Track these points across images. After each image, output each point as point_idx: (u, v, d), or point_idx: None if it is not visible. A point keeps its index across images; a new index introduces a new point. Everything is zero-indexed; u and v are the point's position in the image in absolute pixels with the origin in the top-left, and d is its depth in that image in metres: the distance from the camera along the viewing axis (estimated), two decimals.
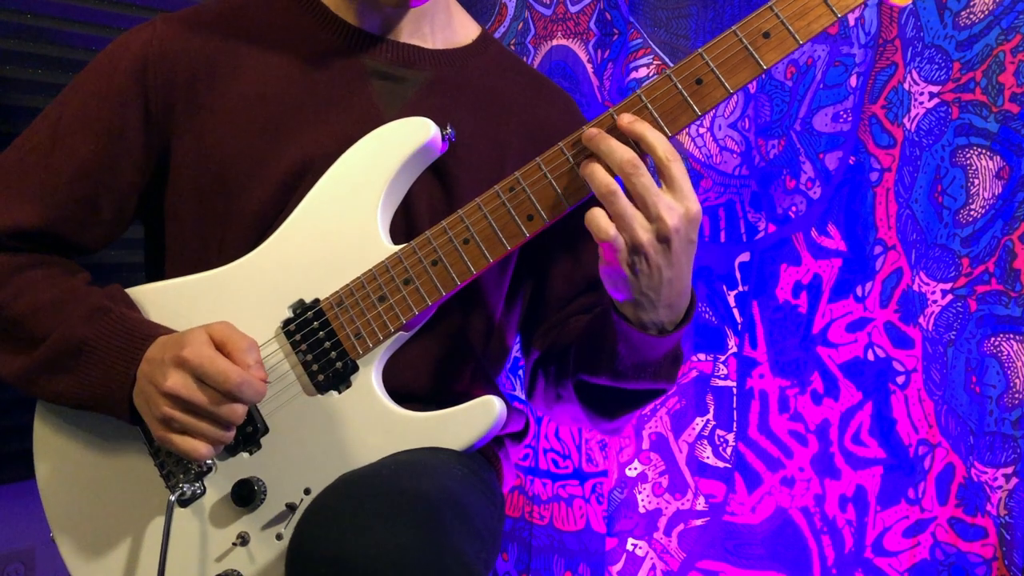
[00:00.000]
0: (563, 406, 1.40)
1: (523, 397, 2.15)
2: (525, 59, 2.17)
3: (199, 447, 1.12)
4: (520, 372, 2.23)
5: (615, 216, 1.09)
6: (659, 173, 1.10)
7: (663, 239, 1.09)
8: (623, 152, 1.10)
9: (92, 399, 1.19)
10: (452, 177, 1.32)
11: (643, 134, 1.11)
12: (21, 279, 1.23)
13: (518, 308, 1.48)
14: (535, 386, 1.46)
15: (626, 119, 1.13)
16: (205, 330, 1.14)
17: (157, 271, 1.36)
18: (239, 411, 1.12)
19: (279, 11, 1.35)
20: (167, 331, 1.19)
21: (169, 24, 1.32)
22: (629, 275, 1.11)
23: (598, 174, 1.11)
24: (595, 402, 1.34)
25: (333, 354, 1.21)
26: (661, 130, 1.16)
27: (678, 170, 1.09)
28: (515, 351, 1.59)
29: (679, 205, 1.09)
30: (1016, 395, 1.63)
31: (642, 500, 2.03)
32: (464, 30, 1.44)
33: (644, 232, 1.08)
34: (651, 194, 1.08)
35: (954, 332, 1.70)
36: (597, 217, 1.10)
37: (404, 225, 1.29)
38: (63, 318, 1.20)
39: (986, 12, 1.65)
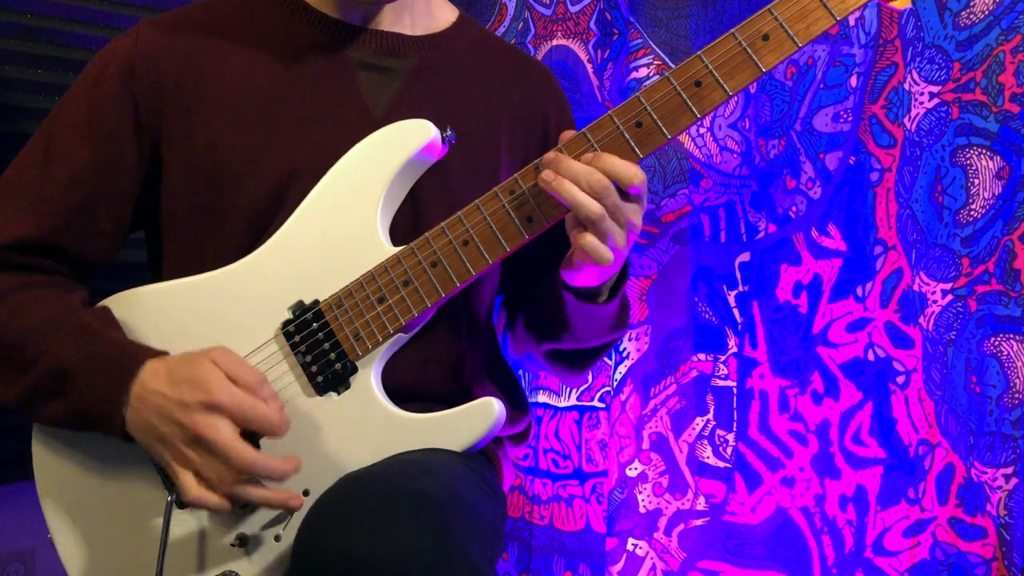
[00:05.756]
0: (533, 361, 1.53)
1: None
2: None
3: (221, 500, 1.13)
4: (521, 371, 2.23)
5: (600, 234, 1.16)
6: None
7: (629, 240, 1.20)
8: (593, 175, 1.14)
9: (85, 421, 1.18)
10: (447, 164, 1.32)
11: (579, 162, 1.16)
12: (15, 300, 1.22)
13: None
14: (506, 339, 1.58)
15: (549, 157, 1.17)
16: (213, 362, 1.12)
17: (158, 275, 1.36)
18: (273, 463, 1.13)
19: (261, 10, 1.36)
20: (154, 353, 1.18)
21: (153, 28, 1.33)
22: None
23: (580, 196, 1.15)
24: (565, 362, 1.46)
25: (332, 355, 1.21)
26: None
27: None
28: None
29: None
30: (1016, 395, 1.63)
31: (642, 500, 2.03)
32: (443, 15, 1.44)
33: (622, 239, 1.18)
34: (618, 208, 1.15)
35: (954, 332, 1.70)
36: (591, 243, 1.16)
37: (405, 221, 1.29)
38: (49, 341, 1.18)
39: (986, 12, 1.65)
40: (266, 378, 1.15)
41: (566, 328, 1.35)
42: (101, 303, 1.27)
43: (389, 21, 1.36)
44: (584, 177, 1.13)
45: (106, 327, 1.22)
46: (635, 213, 1.17)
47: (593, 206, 1.13)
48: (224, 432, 1.09)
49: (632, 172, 1.14)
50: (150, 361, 1.16)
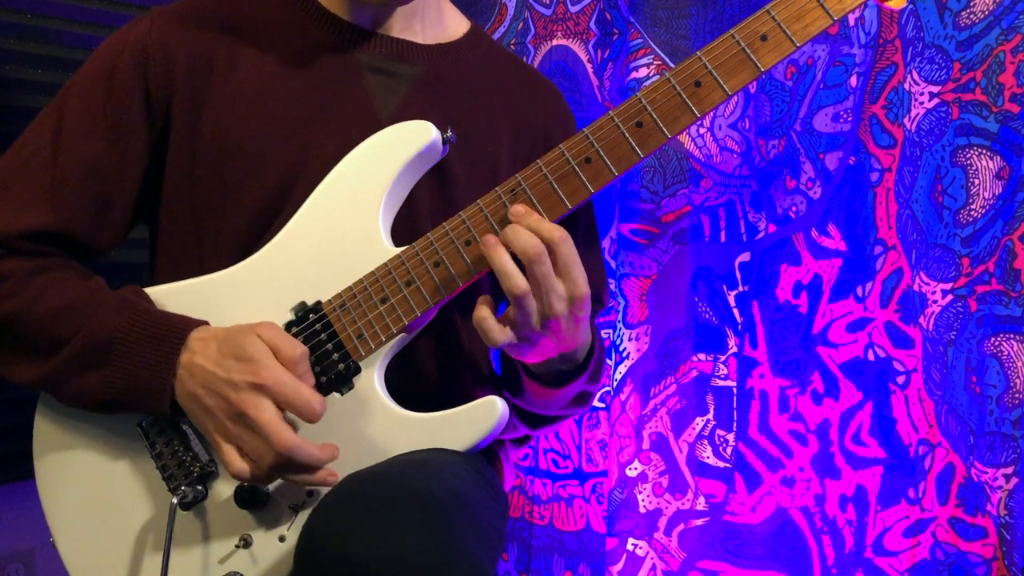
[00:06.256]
0: None
1: None
2: (525, 59, 2.16)
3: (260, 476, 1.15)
4: None
5: (513, 300, 1.16)
6: (551, 255, 1.15)
7: (547, 324, 1.17)
8: (528, 239, 1.14)
9: (127, 393, 1.17)
10: (448, 173, 1.32)
11: (528, 224, 1.16)
12: (37, 283, 1.21)
13: None
14: None
15: (519, 211, 1.17)
16: (259, 337, 1.13)
17: (153, 270, 1.36)
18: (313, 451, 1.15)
19: (272, 6, 1.35)
20: (197, 322, 1.19)
21: (165, 18, 1.32)
22: (524, 345, 1.20)
23: (501, 257, 1.16)
24: (517, 413, 1.45)
25: (335, 356, 1.21)
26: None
27: (564, 252, 1.15)
28: None
29: (567, 291, 1.16)
30: (1016, 395, 1.63)
31: (642, 500, 2.03)
32: (455, 25, 1.45)
33: (535, 319, 1.17)
34: (547, 282, 1.14)
35: (954, 332, 1.70)
36: (486, 318, 1.18)
37: (406, 227, 1.29)
38: (89, 315, 1.18)
39: (986, 12, 1.66)
40: (307, 352, 1.16)
41: (519, 388, 1.37)
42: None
43: (399, 27, 1.36)
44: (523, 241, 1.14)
45: (144, 301, 1.22)
46: (559, 298, 1.16)
47: (519, 280, 1.14)
48: (267, 413, 1.10)
49: (551, 230, 1.15)
50: (196, 330, 1.17)
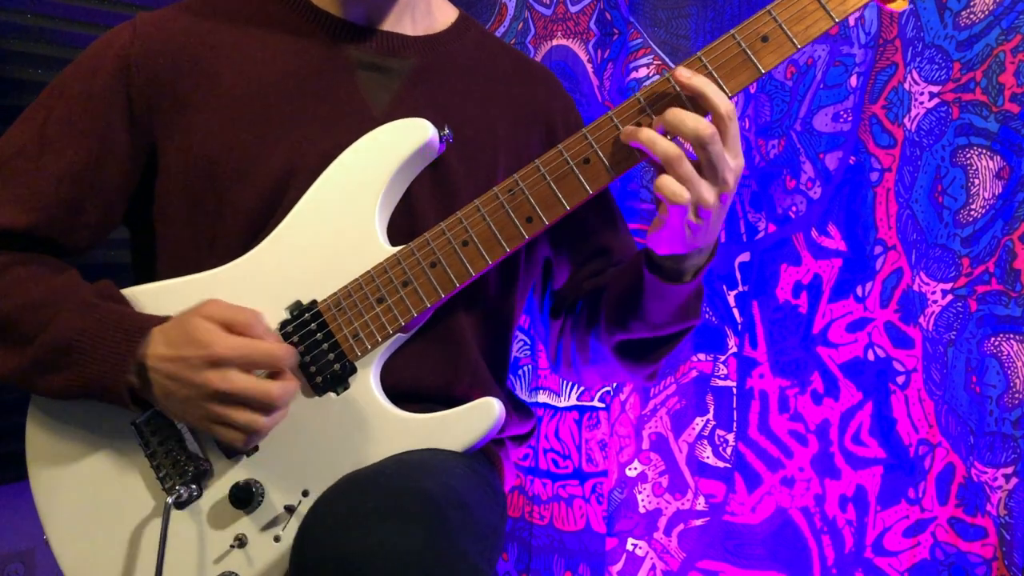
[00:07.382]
0: (596, 367, 1.46)
1: (527, 399, 2.16)
2: None
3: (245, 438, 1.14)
4: (520, 372, 2.23)
5: (683, 179, 1.12)
6: (720, 131, 1.12)
7: (723, 198, 1.15)
8: (697, 121, 1.11)
9: (92, 394, 1.17)
10: (446, 166, 1.32)
11: (703, 91, 1.13)
12: (7, 277, 1.22)
13: (519, 305, 1.48)
14: (559, 355, 1.52)
15: (685, 75, 1.14)
16: (205, 318, 1.13)
17: (147, 273, 1.35)
18: (292, 386, 1.14)
19: (260, 5, 1.35)
20: (158, 320, 1.18)
21: (150, 22, 1.31)
22: (687, 232, 1.16)
23: (660, 140, 1.13)
24: (636, 354, 1.38)
25: (331, 356, 1.21)
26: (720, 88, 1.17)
27: (735, 128, 1.13)
28: (515, 351, 1.59)
29: (736, 165, 1.14)
30: (1016, 395, 1.63)
31: (642, 500, 2.03)
32: (443, 15, 1.44)
33: (710, 194, 1.13)
34: (722, 160, 1.12)
35: (954, 332, 1.70)
36: (670, 183, 1.13)
37: (403, 221, 1.29)
38: (52, 316, 1.18)
39: (986, 12, 1.65)
40: (259, 313, 1.15)
41: (636, 313, 1.31)
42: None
43: (391, 21, 1.36)
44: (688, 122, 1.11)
45: (108, 301, 1.21)
46: (731, 172, 1.13)
47: (666, 145, 1.11)
48: (237, 381, 1.10)
49: (723, 104, 1.12)
50: (155, 328, 1.16)
